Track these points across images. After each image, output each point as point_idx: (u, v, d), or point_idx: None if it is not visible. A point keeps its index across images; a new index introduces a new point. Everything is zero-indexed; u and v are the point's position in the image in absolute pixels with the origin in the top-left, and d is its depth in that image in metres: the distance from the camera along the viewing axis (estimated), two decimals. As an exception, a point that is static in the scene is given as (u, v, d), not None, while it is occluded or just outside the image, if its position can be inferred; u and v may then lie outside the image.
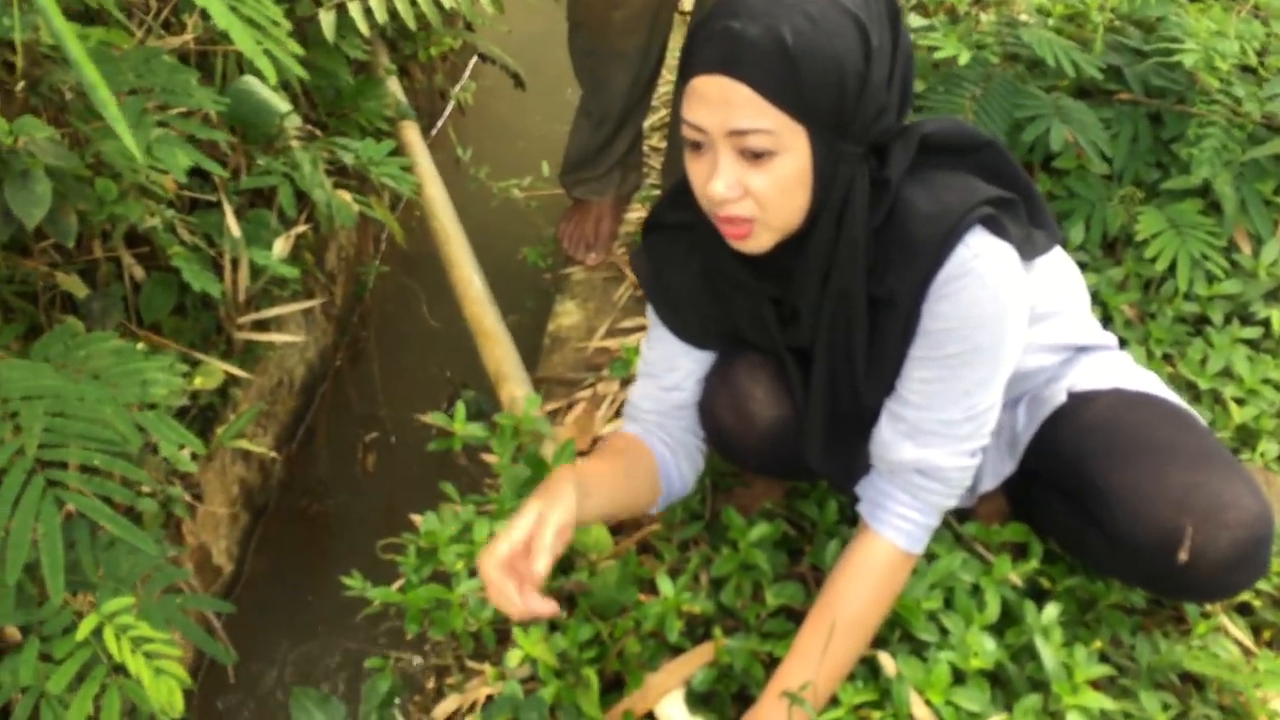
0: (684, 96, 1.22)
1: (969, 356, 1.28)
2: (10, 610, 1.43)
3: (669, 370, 1.51)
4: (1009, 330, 1.29)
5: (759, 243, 1.26)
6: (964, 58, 2.08)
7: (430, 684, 1.77)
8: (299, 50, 1.42)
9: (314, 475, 2.45)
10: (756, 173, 1.20)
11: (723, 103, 1.17)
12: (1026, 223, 1.32)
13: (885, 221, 1.27)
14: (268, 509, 2.34)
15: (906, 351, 1.32)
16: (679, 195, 1.39)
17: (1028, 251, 1.30)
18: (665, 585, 1.52)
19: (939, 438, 1.33)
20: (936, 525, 1.40)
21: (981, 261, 1.24)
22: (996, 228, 1.26)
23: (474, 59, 3.53)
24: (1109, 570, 1.54)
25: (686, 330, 1.49)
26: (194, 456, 1.81)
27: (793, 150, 1.19)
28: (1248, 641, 1.62)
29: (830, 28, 1.16)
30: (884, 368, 1.34)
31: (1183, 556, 1.31)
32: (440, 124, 3.38)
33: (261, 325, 2.19)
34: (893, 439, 1.35)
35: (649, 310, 1.51)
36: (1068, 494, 1.50)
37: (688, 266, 1.44)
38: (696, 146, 1.23)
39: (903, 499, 1.37)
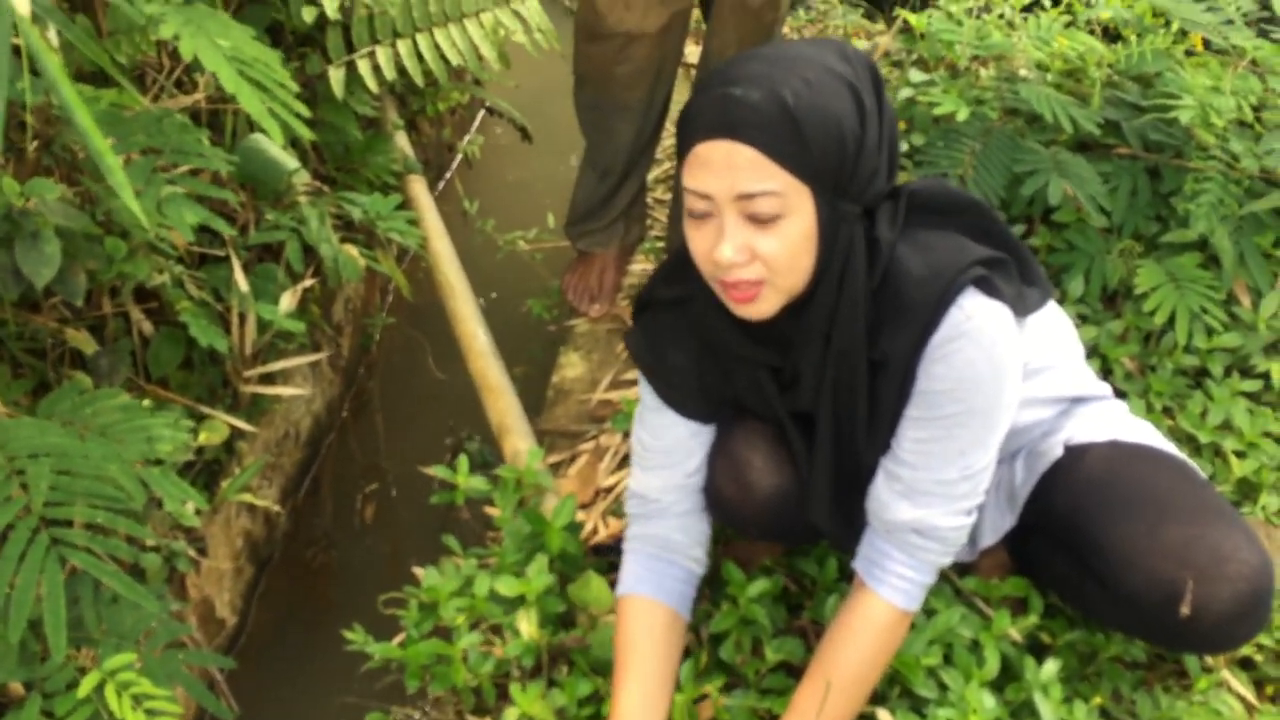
0: (686, 165, 1.23)
1: (964, 417, 1.29)
2: (13, 666, 1.44)
3: (687, 456, 1.50)
4: (1004, 390, 1.30)
5: (766, 306, 1.26)
6: (963, 113, 2.11)
7: (432, 740, 1.77)
8: (306, 112, 1.45)
9: (319, 527, 2.46)
10: (764, 236, 1.21)
11: (728, 167, 1.18)
12: (1018, 281, 1.34)
13: (879, 283, 1.28)
14: (272, 561, 2.35)
15: (902, 411, 1.33)
16: (672, 271, 1.41)
17: (1020, 309, 1.32)
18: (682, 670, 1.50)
19: (935, 498, 1.33)
20: (933, 583, 1.40)
21: (975, 323, 1.25)
22: (989, 288, 1.27)
23: (480, 113, 3.58)
24: (1110, 623, 1.54)
25: (687, 405, 1.48)
26: (198, 511, 1.82)
27: (799, 211, 1.20)
28: (1250, 696, 1.61)
29: (826, 90, 1.19)
30: (881, 428, 1.35)
31: (1184, 611, 1.31)
32: (447, 177, 3.42)
33: (268, 378, 2.21)
34: (890, 499, 1.36)
35: (645, 395, 1.51)
36: (1067, 548, 1.50)
37: (684, 341, 1.45)
38: (700, 215, 1.24)
39: (900, 558, 1.37)
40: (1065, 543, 1.50)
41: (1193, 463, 1.52)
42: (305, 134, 1.47)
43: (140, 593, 1.32)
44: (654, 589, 1.48)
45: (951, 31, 2.28)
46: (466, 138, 3.48)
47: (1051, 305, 1.50)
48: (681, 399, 1.47)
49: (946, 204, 1.34)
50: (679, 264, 1.40)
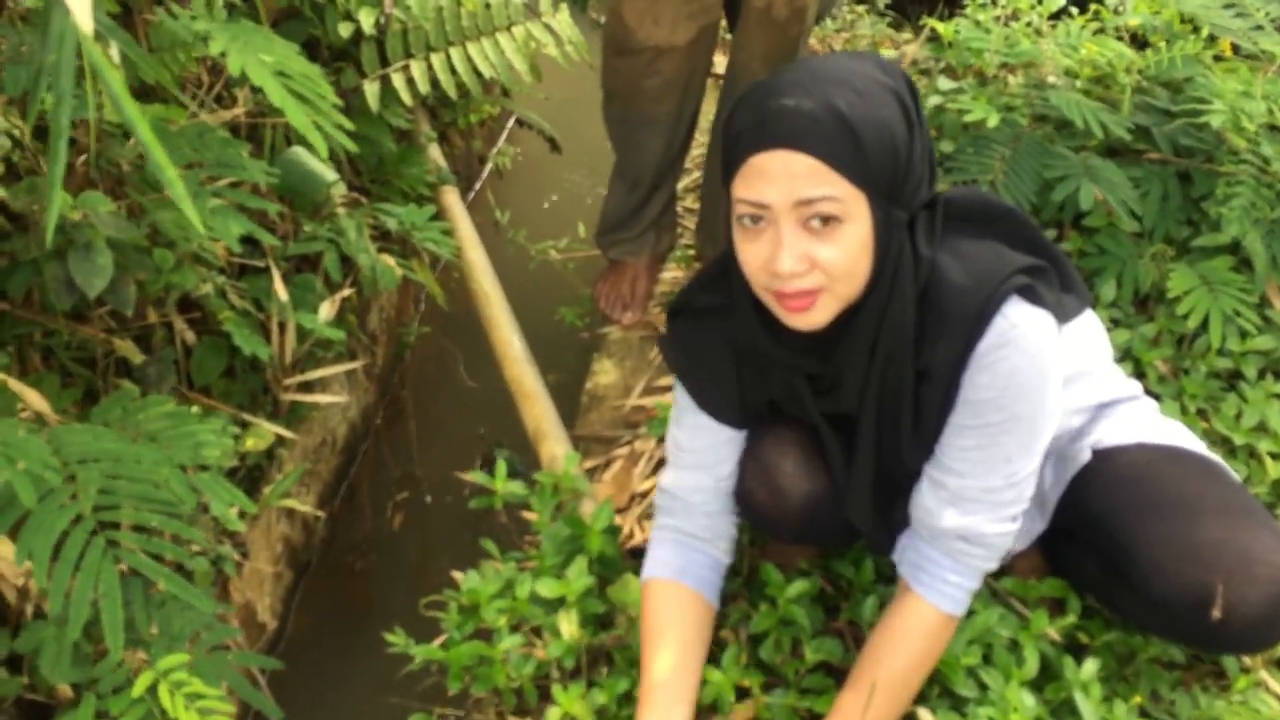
0: (739, 176, 1.23)
1: (1010, 425, 1.30)
2: (67, 668, 1.47)
3: (719, 461, 1.52)
4: (1048, 397, 1.31)
5: (822, 315, 1.26)
6: (993, 120, 2.13)
7: (469, 742, 1.79)
8: (350, 125, 1.48)
9: (356, 532, 2.49)
10: (823, 244, 1.21)
11: (787, 176, 1.19)
12: (1058, 288, 1.35)
13: (921, 293, 1.29)
14: (310, 566, 2.38)
15: (946, 419, 1.34)
16: (710, 279, 1.42)
17: (1060, 316, 1.33)
18: (713, 673, 1.52)
19: (981, 505, 1.35)
20: (977, 588, 1.41)
21: (1020, 331, 1.26)
22: (1033, 296, 1.28)
23: (508, 125, 3.62)
24: (1142, 625, 1.55)
25: (722, 410, 1.49)
26: (241, 515, 1.85)
27: (857, 218, 1.21)
28: (1290, 698, 1.62)
29: (876, 100, 1.21)
30: (925, 435, 1.36)
31: (1216, 614, 1.32)
32: (477, 188, 3.46)
33: (306, 387, 2.24)
34: (935, 506, 1.37)
35: (680, 398, 1.52)
36: (1098, 551, 1.51)
37: (719, 348, 1.46)
38: (754, 226, 1.24)
39: (946, 564, 1.38)
40: (1095, 546, 1.50)
41: (1222, 462, 1.52)
42: (349, 145, 1.50)
43: (194, 593, 1.35)
44: (679, 573, 1.51)
45: (980, 39, 2.29)
46: (495, 148, 3.52)
47: (1086, 311, 1.52)
48: (715, 404, 1.49)
49: (983, 212, 1.35)
50: (718, 273, 1.42)
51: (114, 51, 1.29)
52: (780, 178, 1.19)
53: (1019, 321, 1.26)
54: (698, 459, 1.53)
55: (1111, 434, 1.54)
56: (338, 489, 2.53)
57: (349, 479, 2.58)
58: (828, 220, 1.20)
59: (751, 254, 1.25)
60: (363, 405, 2.65)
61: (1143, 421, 1.56)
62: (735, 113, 1.26)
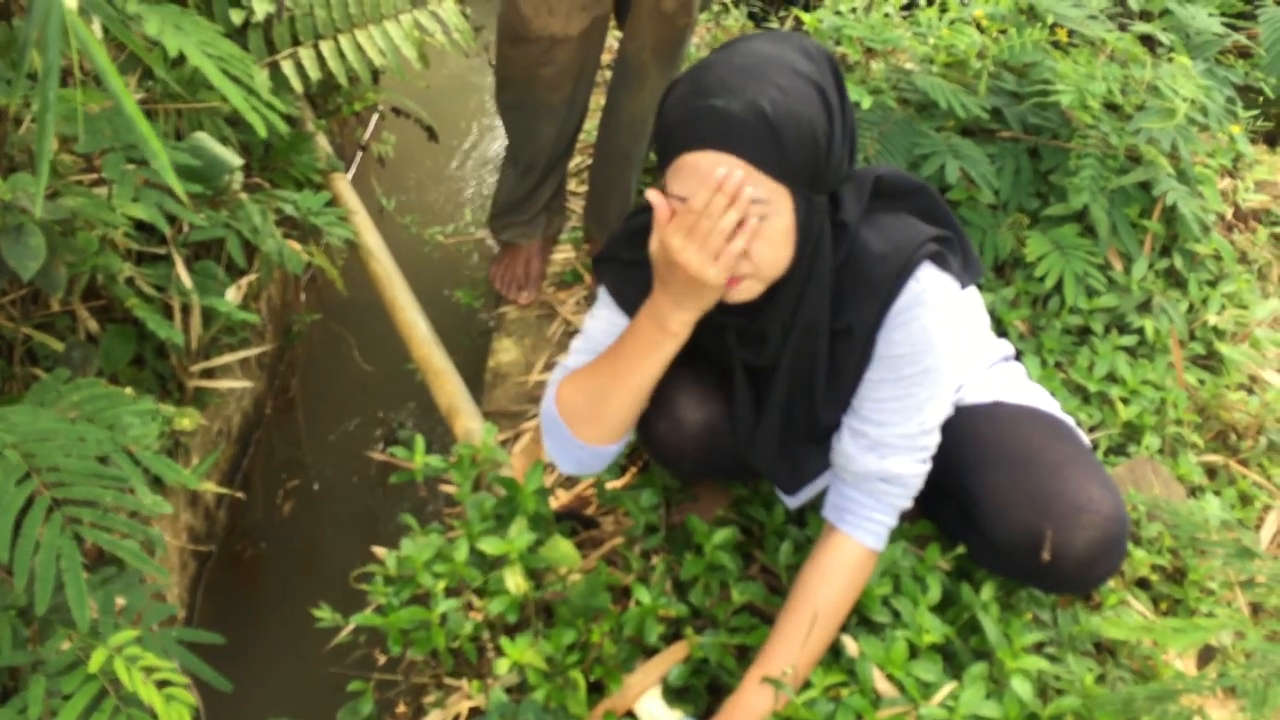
0: (671, 170, 1.32)
1: (921, 377, 1.45)
2: (8, 650, 1.46)
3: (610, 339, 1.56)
4: (955, 351, 1.46)
5: (749, 293, 1.38)
6: (866, 103, 2.29)
7: (401, 708, 1.84)
8: (281, 106, 1.52)
9: (253, 520, 2.50)
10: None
11: (715, 174, 1.28)
12: (961, 258, 1.50)
13: (843, 260, 1.42)
14: (213, 556, 2.38)
15: (863, 375, 1.47)
16: (632, 234, 1.51)
17: (964, 282, 1.48)
18: (642, 593, 1.63)
19: (899, 449, 1.49)
20: (895, 525, 1.55)
21: (931, 293, 1.41)
22: (941, 262, 1.44)
23: (375, 113, 3.61)
24: (989, 566, 1.70)
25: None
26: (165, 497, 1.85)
27: (781, 212, 1.32)
28: (1149, 613, 1.82)
29: (798, 95, 1.31)
30: (841, 390, 1.50)
31: (1045, 556, 1.48)
32: (352, 174, 3.46)
33: (208, 373, 2.24)
34: (857, 452, 1.50)
35: (602, 297, 1.58)
36: (953, 500, 1.66)
37: (646, 290, 1.56)
38: None
39: (869, 503, 1.52)
40: (951, 494, 1.65)
41: (1071, 421, 1.68)
42: (281, 127, 1.53)
43: (154, 566, 1.37)
44: None
45: (850, 26, 2.45)
46: (368, 133, 3.52)
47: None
48: (634, 305, 1.52)
49: (902, 188, 1.49)
50: (636, 230, 1.50)
51: (96, 26, 1.30)
52: (710, 175, 1.28)
53: (930, 284, 1.42)
54: (597, 343, 1.57)
55: (974, 393, 1.69)
56: (234, 478, 2.53)
57: (243, 468, 2.58)
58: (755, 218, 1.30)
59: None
60: (255, 393, 2.65)
61: (1006, 382, 1.72)
62: (667, 106, 1.34)
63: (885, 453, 1.49)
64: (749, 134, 1.27)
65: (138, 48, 1.15)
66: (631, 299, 1.52)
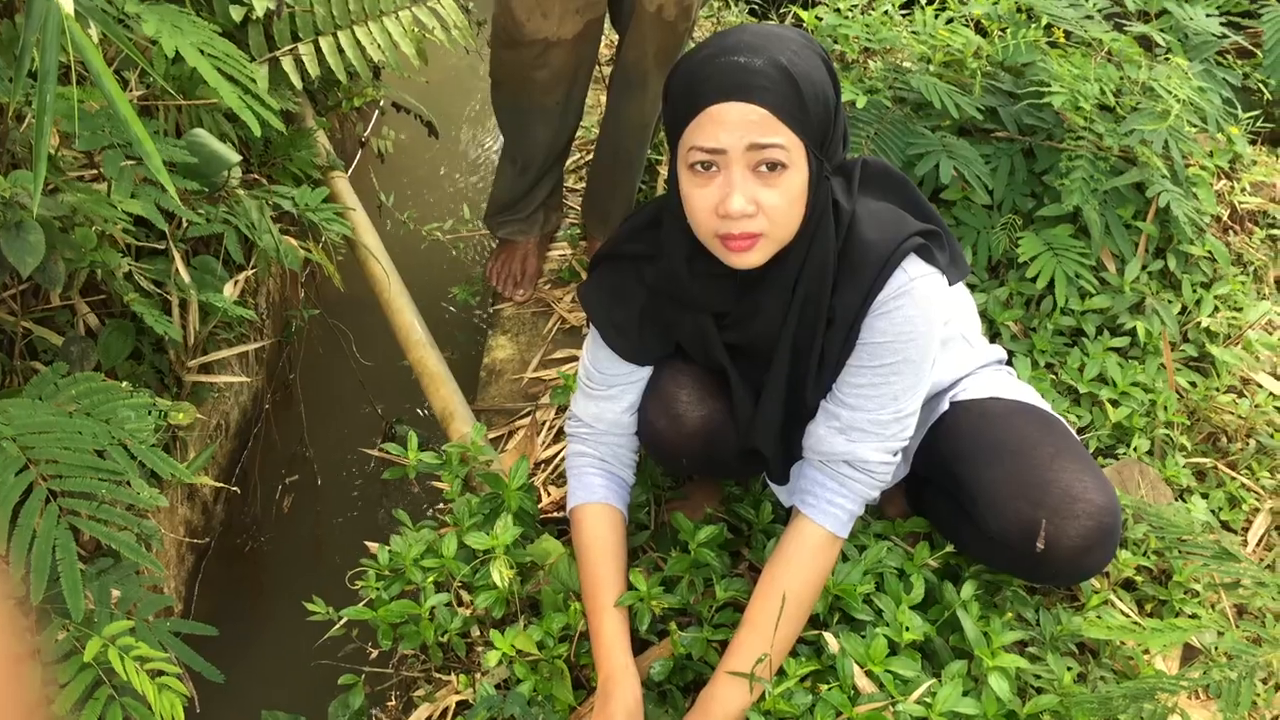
0: (694, 126, 1.35)
1: (899, 366, 1.47)
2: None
3: (624, 393, 1.66)
4: (934, 345, 1.48)
5: (760, 256, 1.39)
6: (861, 101, 2.30)
7: (391, 701, 1.87)
8: (275, 104, 1.54)
9: (250, 515, 2.52)
10: (767, 189, 1.34)
11: (743, 124, 1.31)
12: (947, 254, 1.52)
13: (841, 244, 1.44)
14: (210, 549, 2.40)
15: (845, 360, 1.49)
16: (638, 229, 1.55)
17: (951, 278, 1.50)
18: (639, 580, 1.64)
19: (869, 435, 1.50)
20: (859, 513, 1.57)
21: (916, 285, 1.43)
22: (928, 256, 1.46)
23: (377, 109, 3.63)
24: (983, 559, 1.73)
25: (632, 351, 1.63)
26: (162, 491, 1.88)
27: (798, 166, 1.35)
28: (1133, 614, 1.83)
29: (810, 60, 1.36)
30: (825, 374, 1.51)
31: (1039, 546, 1.50)
32: (351, 169, 3.47)
33: (206, 368, 2.26)
34: (826, 434, 1.53)
35: (594, 337, 1.65)
36: (948, 493, 1.69)
37: (635, 294, 1.59)
38: (705, 170, 1.35)
39: (832, 486, 1.54)
40: (945, 488, 1.68)
41: (1061, 418, 1.70)
42: (277, 124, 1.55)
43: (148, 558, 1.39)
44: (606, 497, 1.66)
45: (846, 25, 2.46)
46: (368, 129, 3.54)
47: (959, 284, 1.69)
48: (627, 346, 1.62)
49: (886, 179, 1.52)
50: (644, 224, 1.55)
51: (93, 31, 1.32)
52: (736, 125, 1.31)
53: (915, 276, 1.44)
54: (604, 390, 1.67)
55: (968, 390, 1.71)
56: (232, 473, 2.55)
57: (241, 463, 2.61)
58: (774, 166, 1.33)
59: (702, 198, 1.37)
60: (253, 390, 2.67)
61: (998, 381, 1.74)
62: (680, 74, 1.38)
63: (855, 436, 1.51)
64: (772, 85, 1.31)
65: (133, 51, 1.17)
66: (620, 318, 1.59)
